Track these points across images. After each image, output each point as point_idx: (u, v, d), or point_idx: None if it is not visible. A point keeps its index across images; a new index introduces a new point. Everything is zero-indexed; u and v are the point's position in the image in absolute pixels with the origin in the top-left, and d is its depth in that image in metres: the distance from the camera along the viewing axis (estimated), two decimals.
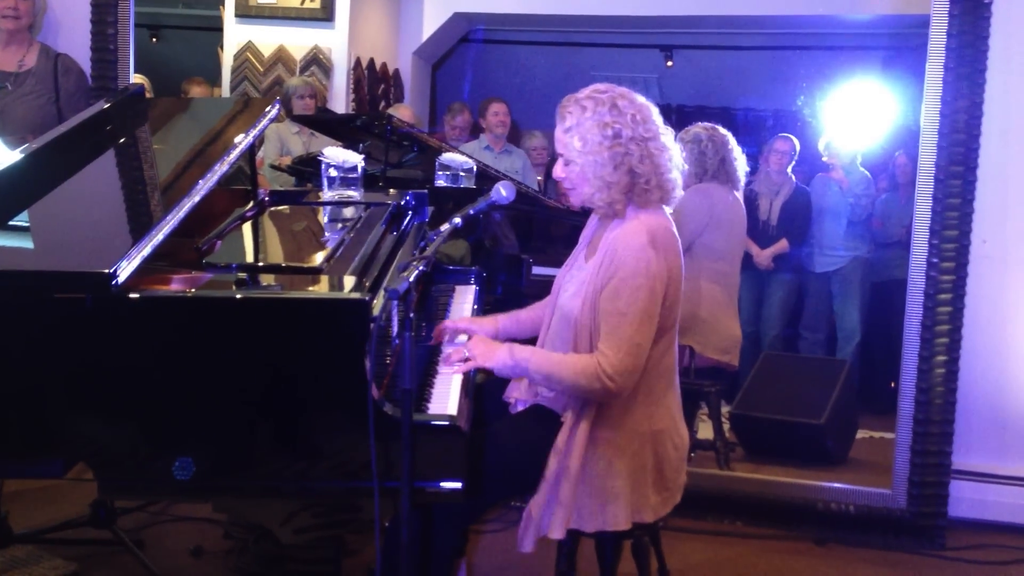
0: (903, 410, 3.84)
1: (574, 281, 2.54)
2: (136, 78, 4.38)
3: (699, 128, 4.23)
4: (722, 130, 4.25)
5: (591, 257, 2.51)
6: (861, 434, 4.88)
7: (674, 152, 2.49)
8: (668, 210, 2.52)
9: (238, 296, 2.19)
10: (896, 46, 6.86)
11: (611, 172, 2.39)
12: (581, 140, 2.40)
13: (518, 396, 2.65)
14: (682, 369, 4.12)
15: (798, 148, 5.57)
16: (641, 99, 2.47)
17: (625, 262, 2.36)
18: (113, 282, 2.07)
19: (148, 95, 4.54)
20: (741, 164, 4.25)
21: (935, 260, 3.75)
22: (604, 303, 2.38)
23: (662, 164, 2.43)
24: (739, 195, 4.28)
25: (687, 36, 7.89)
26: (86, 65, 4.26)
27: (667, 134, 2.48)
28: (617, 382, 2.34)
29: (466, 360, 2.52)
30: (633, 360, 2.35)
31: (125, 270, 2.10)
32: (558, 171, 2.50)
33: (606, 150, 2.38)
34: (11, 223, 2.45)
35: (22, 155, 2.62)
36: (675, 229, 2.50)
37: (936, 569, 3.68)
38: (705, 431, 4.49)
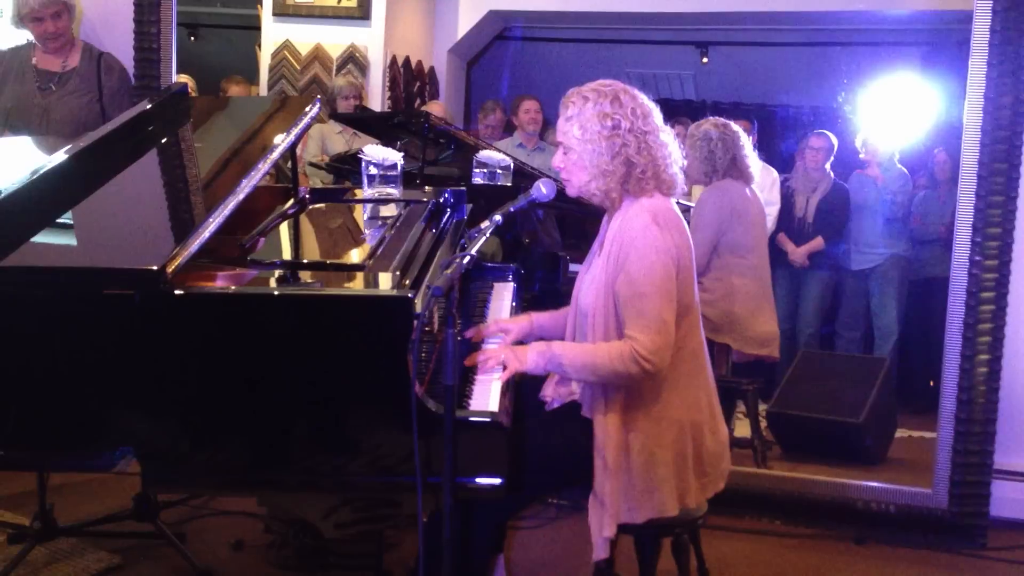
0: (945, 409, 3.81)
1: (588, 276, 2.57)
2: (181, 78, 4.43)
3: (709, 125, 4.17)
4: (734, 126, 4.20)
5: (601, 253, 2.53)
6: (899, 433, 4.84)
7: (674, 150, 2.52)
8: (672, 201, 2.54)
9: (284, 293, 2.21)
10: (936, 42, 6.80)
11: (608, 161, 2.44)
12: (581, 128, 2.45)
13: (552, 396, 2.66)
14: (719, 366, 4.15)
15: (835, 144, 5.53)
16: (644, 97, 2.51)
17: (633, 244, 2.39)
18: (161, 279, 2.10)
19: (192, 94, 4.59)
20: (754, 160, 4.23)
21: (978, 258, 3.71)
22: (622, 290, 2.40)
23: (659, 157, 2.47)
24: (754, 190, 4.26)
25: (723, 32, 7.86)
26: (129, 64, 4.31)
27: (667, 132, 2.53)
28: (653, 361, 2.35)
29: (503, 368, 2.52)
30: (664, 337, 2.37)
31: (172, 267, 2.14)
32: (557, 160, 2.54)
33: (604, 139, 2.43)
34: (58, 221, 2.49)
35: (67, 155, 2.66)
36: (678, 211, 2.53)
37: (977, 569, 3.65)
38: (742, 429, 4.48)
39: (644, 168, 2.44)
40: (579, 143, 2.46)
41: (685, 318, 2.47)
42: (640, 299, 2.37)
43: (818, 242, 5.48)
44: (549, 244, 4.01)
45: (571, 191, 2.54)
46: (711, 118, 4.24)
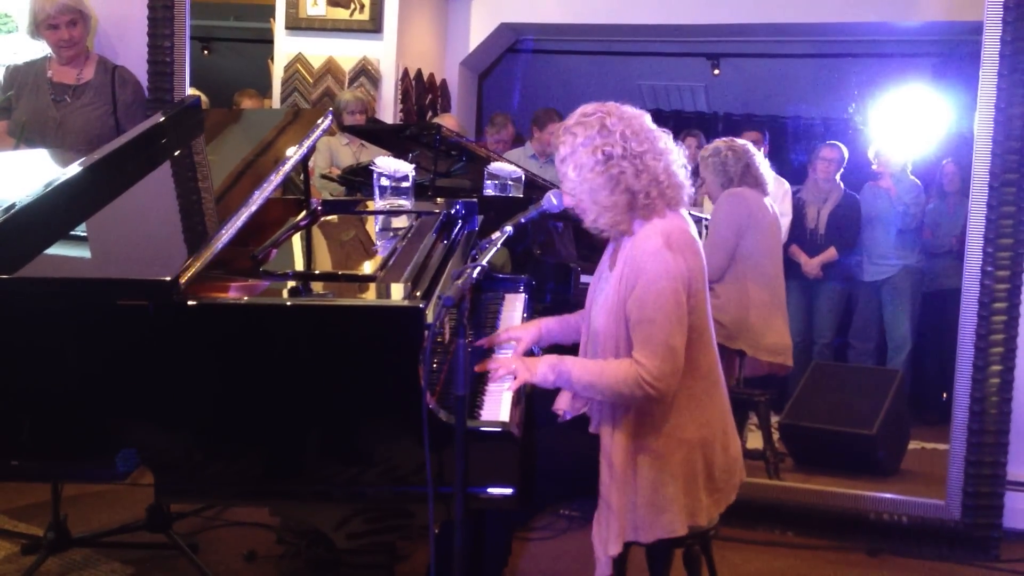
0: (957, 420, 3.80)
1: (601, 295, 2.55)
2: (193, 91, 4.46)
3: (718, 142, 4.31)
4: (741, 141, 4.31)
5: (613, 268, 2.52)
6: (912, 445, 4.82)
7: (675, 155, 2.48)
8: (685, 212, 2.52)
9: (296, 303, 2.22)
10: (947, 53, 6.80)
11: (607, 195, 2.40)
12: (575, 168, 2.41)
13: (566, 408, 2.66)
14: (731, 376, 4.16)
15: (846, 155, 5.53)
16: (630, 110, 2.46)
17: (644, 269, 2.37)
18: (174, 290, 2.12)
19: (205, 107, 4.62)
20: (766, 170, 4.28)
21: (989, 269, 3.70)
22: (632, 314, 2.39)
23: (659, 172, 2.42)
24: (768, 201, 4.29)
25: (734, 44, 7.86)
26: (143, 77, 4.35)
27: (664, 139, 2.47)
28: (659, 387, 2.35)
29: (514, 378, 2.53)
30: (671, 364, 2.36)
31: (185, 278, 2.15)
32: (567, 201, 2.51)
33: (600, 175, 2.38)
34: (72, 233, 2.51)
35: (81, 167, 2.68)
36: (693, 231, 2.49)
37: None
38: (754, 441, 4.47)
39: (647, 191, 2.40)
40: (577, 185, 2.43)
41: (698, 339, 2.45)
42: (649, 325, 2.35)
43: (831, 253, 5.48)
44: (564, 256, 4.02)
45: (586, 225, 2.52)
46: (718, 139, 4.36)
